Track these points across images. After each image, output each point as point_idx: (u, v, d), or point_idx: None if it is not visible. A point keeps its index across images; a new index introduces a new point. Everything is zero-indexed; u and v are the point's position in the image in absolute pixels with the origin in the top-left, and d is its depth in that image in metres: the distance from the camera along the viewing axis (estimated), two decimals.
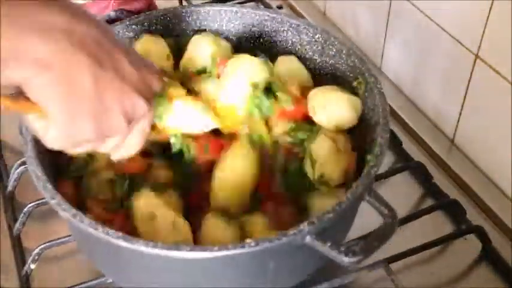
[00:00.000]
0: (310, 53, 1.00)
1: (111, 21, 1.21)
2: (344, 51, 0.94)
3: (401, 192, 1.05)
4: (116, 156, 0.78)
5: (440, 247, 0.95)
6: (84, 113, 0.66)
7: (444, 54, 1.08)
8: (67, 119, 0.66)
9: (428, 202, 1.03)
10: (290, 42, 1.02)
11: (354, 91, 0.91)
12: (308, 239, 0.71)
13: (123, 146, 0.75)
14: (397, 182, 1.05)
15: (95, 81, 0.65)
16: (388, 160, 1.09)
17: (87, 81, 0.65)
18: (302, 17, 1.41)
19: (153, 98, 0.76)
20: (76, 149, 0.72)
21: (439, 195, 1.03)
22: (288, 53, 1.01)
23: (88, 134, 0.68)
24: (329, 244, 0.71)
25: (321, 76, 0.99)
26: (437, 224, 0.99)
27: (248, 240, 0.69)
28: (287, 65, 0.98)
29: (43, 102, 0.64)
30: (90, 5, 1.28)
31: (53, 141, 0.68)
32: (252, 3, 1.45)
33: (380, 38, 1.24)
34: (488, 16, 0.94)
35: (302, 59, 1.00)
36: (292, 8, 1.46)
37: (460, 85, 1.05)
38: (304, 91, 0.91)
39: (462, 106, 1.06)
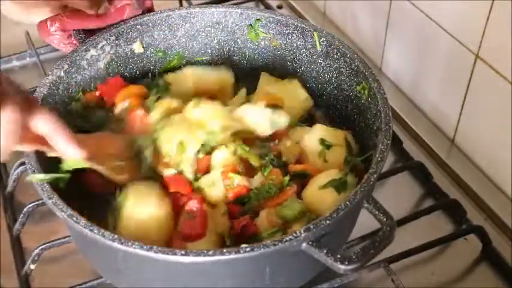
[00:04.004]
0: (314, 56, 1.00)
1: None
2: (348, 55, 0.94)
3: (401, 192, 1.05)
4: None
5: (440, 247, 0.95)
6: None
7: (444, 54, 1.08)
8: None
9: (429, 202, 1.03)
10: (295, 45, 1.02)
11: None
12: (304, 245, 0.71)
13: None
14: (397, 182, 1.05)
15: None
16: (388, 160, 1.09)
17: None
18: (302, 17, 1.41)
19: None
20: None
21: (439, 195, 1.03)
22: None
23: None
24: (325, 251, 0.70)
25: (324, 80, 1.00)
26: (437, 224, 0.99)
27: (243, 245, 0.69)
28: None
29: None
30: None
31: None
32: (251, 3, 1.45)
33: (380, 38, 1.24)
34: (488, 16, 0.94)
35: (306, 62, 1.01)
36: (292, 8, 1.46)
37: (460, 85, 1.05)
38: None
39: (462, 106, 1.06)
